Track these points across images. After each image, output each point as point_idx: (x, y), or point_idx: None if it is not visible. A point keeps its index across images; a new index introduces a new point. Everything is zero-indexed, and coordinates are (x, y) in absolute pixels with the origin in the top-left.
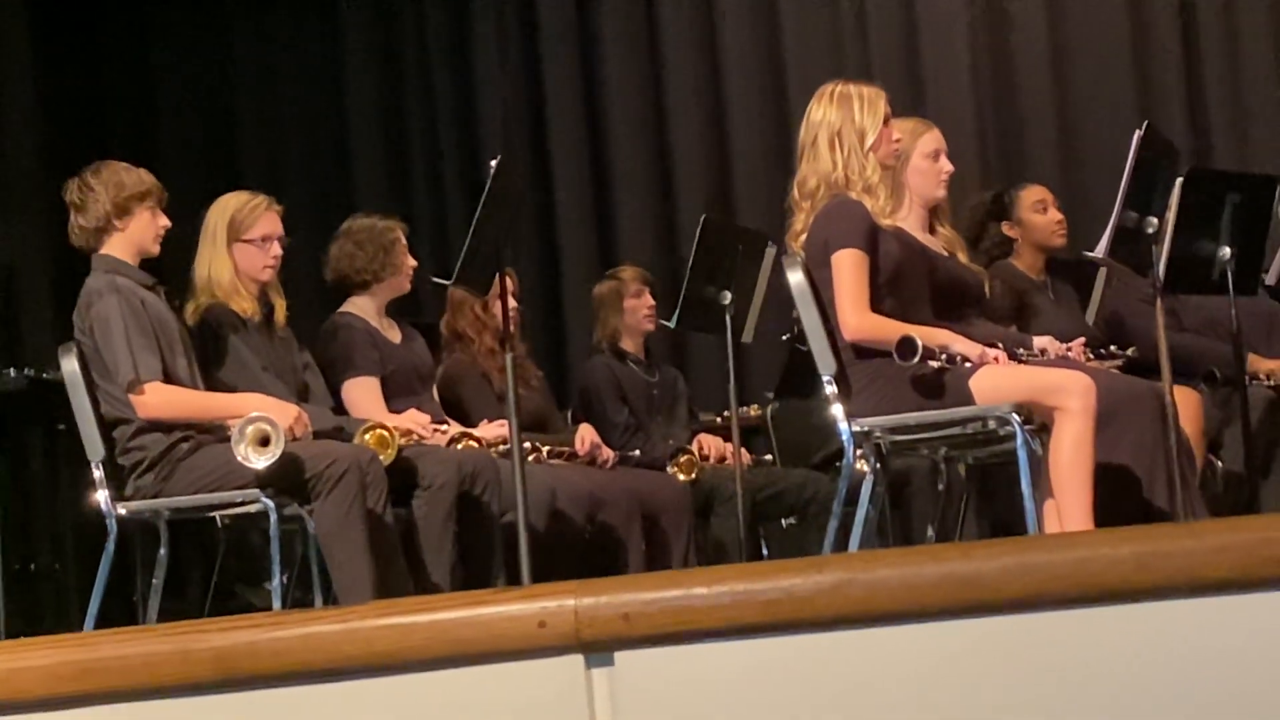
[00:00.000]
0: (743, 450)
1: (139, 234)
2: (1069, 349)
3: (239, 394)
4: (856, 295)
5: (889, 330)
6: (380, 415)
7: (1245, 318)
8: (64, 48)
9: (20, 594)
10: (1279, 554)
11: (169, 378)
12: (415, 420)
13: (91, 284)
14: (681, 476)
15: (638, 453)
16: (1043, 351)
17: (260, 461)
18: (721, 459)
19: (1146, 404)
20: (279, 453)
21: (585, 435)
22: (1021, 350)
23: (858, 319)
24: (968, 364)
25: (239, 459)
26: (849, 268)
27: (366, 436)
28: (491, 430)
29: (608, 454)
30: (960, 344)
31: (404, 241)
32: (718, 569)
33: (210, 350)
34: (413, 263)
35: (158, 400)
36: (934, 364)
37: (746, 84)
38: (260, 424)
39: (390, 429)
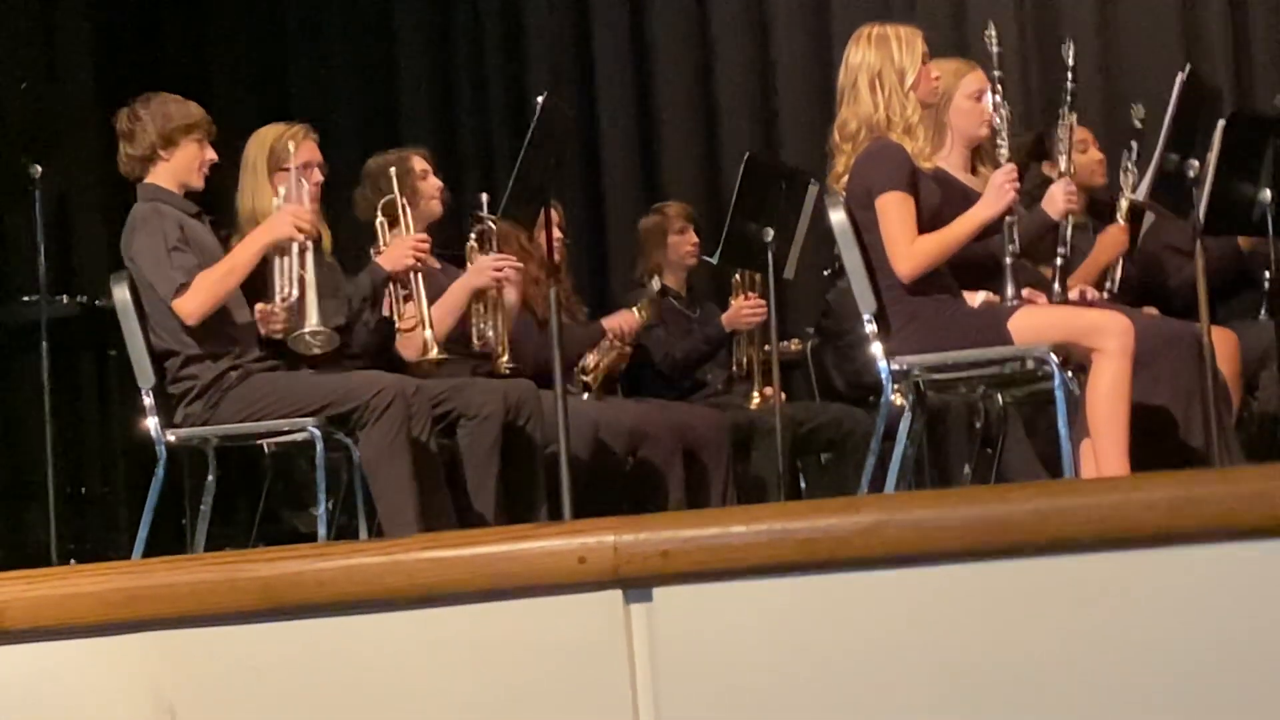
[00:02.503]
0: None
1: (183, 165)
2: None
3: (242, 241)
4: (905, 237)
5: (931, 247)
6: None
7: None
8: None
9: (71, 518)
10: None
11: None
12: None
13: (136, 211)
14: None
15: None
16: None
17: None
18: None
19: (1184, 346)
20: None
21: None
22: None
23: (907, 262)
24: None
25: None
26: (895, 209)
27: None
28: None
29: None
30: (979, 211)
31: (421, 168)
32: (756, 508)
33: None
34: (437, 184)
35: (194, 302)
36: (978, 303)
37: (791, 21)
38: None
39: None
